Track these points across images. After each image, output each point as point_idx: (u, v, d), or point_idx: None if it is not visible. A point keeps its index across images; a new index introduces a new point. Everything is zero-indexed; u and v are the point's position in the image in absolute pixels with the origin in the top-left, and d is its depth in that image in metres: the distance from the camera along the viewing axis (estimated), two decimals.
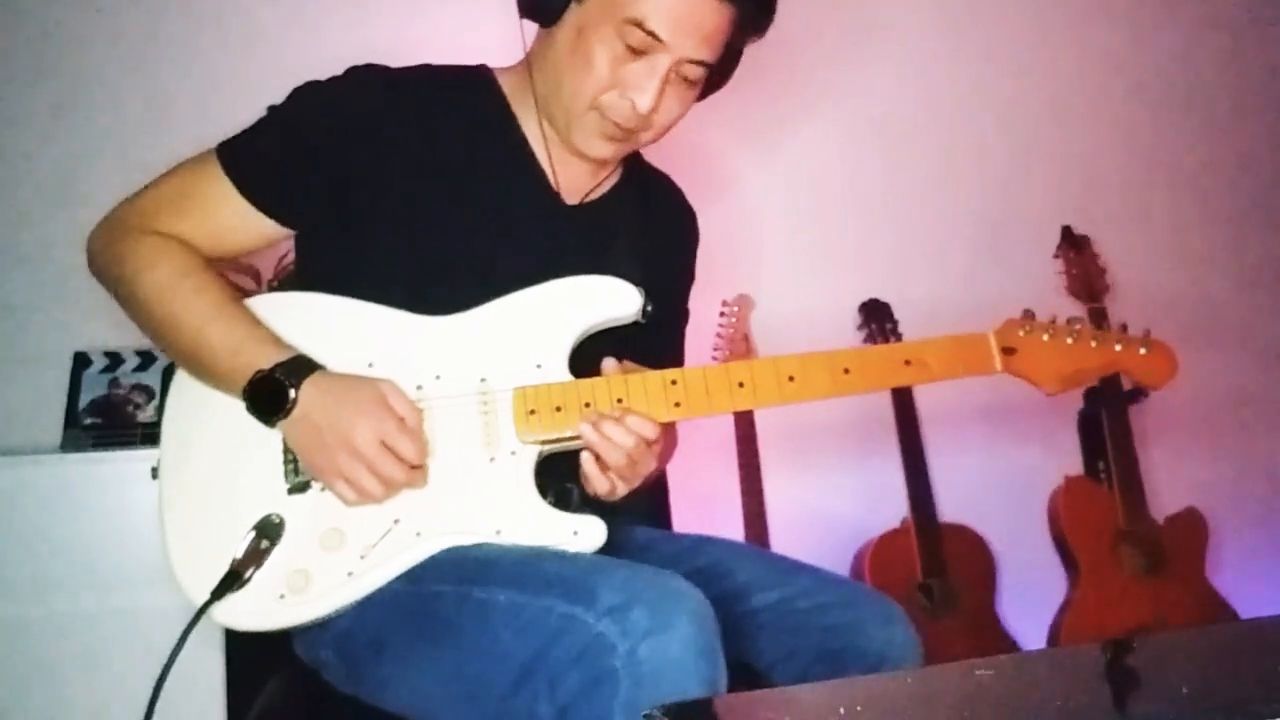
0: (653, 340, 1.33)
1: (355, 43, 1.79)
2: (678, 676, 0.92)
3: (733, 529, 2.18)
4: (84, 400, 1.96)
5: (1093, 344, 1.28)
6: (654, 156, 1.50)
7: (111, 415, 1.96)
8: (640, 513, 1.57)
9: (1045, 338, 1.27)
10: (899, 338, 2.37)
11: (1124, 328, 1.32)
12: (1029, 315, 1.29)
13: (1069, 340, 1.27)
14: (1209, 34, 2.83)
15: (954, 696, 0.81)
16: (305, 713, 1.24)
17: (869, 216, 2.55)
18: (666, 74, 1.17)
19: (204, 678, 1.67)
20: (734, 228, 2.41)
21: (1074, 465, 2.54)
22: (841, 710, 0.76)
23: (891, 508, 2.36)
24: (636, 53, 1.16)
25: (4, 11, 2.08)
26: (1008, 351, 1.26)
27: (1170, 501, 2.49)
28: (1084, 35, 2.74)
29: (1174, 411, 2.68)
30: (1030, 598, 2.45)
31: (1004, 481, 2.54)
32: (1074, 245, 2.44)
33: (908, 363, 1.24)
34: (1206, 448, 2.72)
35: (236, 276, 1.80)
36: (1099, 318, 2.44)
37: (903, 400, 2.37)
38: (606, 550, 1.23)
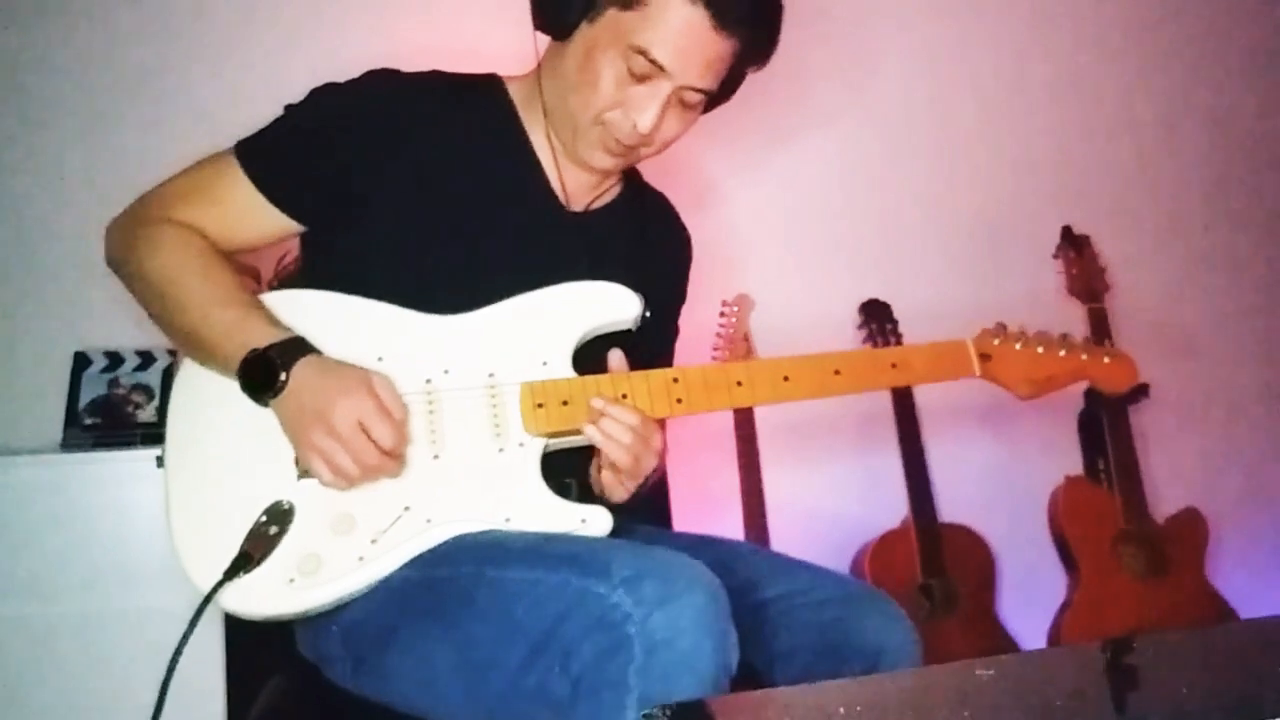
0: (645, 351, 1.35)
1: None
2: (690, 644, 0.94)
3: (733, 529, 2.18)
4: (84, 400, 1.96)
5: (1060, 353, 1.39)
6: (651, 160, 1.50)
7: (111, 415, 1.96)
8: (640, 512, 1.57)
9: (1017, 346, 1.38)
10: (898, 338, 2.37)
11: (1100, 318, 1.42)
12: (1001, 327, 1.40)
13: (1039, 349, 1.38)
14: (1209, 32, 2.83)
15: (954, 696, 0.81)
16: (307, 711, 1.24)
17: (868, 216, 2.55)
18: (668, 98, 1.22)
19: (204, 677, 1.67)
20: (735, 226, 2.41)
21: (1074, 465, 2.54)
22: (841, 710, 0.76)
23: (891, 508, 2.36)
24: (640, 77, 1.20)
25: (4, 18, 2.08)
26: (984, 358, 1.37)
27: (1170, 501, 2.49)
28: (1084, 34, 2.74)
29: (1174, 411, 2.68)
30: (1030, 598, 2.45)
31: (1004, 481, 2.55)
32: (1074, 245, 2.44)
33: (894, 365, 1.33)
34: (1206, 448, 2.72)
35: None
36: (1099, 317, 2.44)
37: (903, 400, 2.37)
38: None
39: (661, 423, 1.45)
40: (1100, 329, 2.46)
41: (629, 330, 1.29)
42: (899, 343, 2.37)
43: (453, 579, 1.10)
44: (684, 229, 1.52)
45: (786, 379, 1.27)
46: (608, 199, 1.39)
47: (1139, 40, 2.78)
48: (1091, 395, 2.53)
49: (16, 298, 2.05)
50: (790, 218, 2.51)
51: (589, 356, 1.26)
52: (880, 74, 2.59)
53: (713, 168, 2.41)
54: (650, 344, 1.38)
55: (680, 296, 1.51)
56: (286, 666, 1.26)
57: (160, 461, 1.18)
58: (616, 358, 1.25)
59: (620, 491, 1.22)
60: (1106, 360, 1.39)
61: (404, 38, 2.23)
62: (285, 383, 1.12)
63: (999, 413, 2.57)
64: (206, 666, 1.67)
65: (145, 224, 1.24)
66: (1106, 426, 2.45)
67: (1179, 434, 2.69)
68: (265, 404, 1.14)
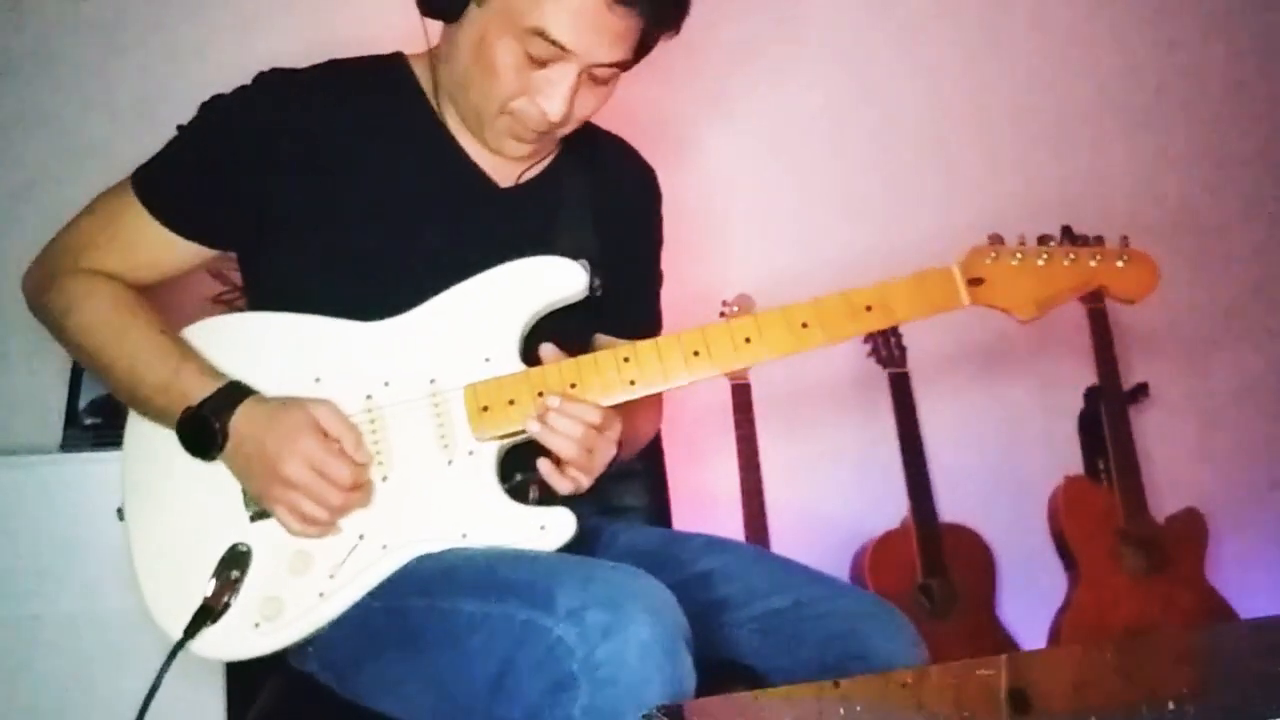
0: (626, 309, 1.30)
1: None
2: (637, 679, 0.90)
3: (733, 529, 2.18)
4: (84, 400, 1.96)
5: (1066, 262, 1.20)
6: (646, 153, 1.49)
7: (111, 415, 1.95)
8: (641, 513, 1.57)
9: (1015, 261, 1.20)
10: (898, 336, 2.37)
11: (1100, 239, 1.23)
12: (996, 240, 1.21)
13: (1040, 261, 1.20)
14: (1210, 32, 2.83)
15: (954, 696, 0.81)
16: (304, 713, 1.24)
17: (868, 216, 2.55)
18: (576, 80, 1.13)
19: (203, 678, 1.67)
20: (734, 226, 2.41)
21: (1074, 465, 2.54)
22: (841, 711, 0.76)
23: (891, 508, 2.36)
24: (542, 61, 1.11)
25: (1, 11, 2.08)
26: (975, 283, 1.18)
27: (1170, 501, 2.49)
28: (1085, 32, 2.74)
29: (1174, 411, 2.68)
30: (1030, 598, 2.45)
31: (1004, 481, 2.54)
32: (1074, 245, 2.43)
33: (869, 308, 1.18)
34: (1206, 448, 2.72)
35: (235, 275, 1.80)
36: (1099, 317, 2.44)
37: (902, 399, 2.37)
38: (614, 554, 1.22)
39: (658, 401, 1.39)
40: (1101, 329, 2.46)
41: (597, 296, 1.22)
42: (899, 341, 2.37)
43: (407, 611, 1.08)
44: (643, 166, 1.41)
45: (748, 340, 1.16)
46: (546, 163, 1.29)
47: (1140, 38, 2.78)
48: (1091, 395, 2.53)
49: (16, 297, 2.04)
50: (790, 218, 2.50)
51: (562, 329, 1.20)
52: (878, 74, 2.58)
53: (712, 165, 2.40)
54: (628, 300, 1.33)
55: (654, 240, 1.42)
56: (285, 668, 1.26)
57: (120, 514, 1.17)
58: (549, 353, 1.16)
59: (569, 485, 1.13)
60: (1121, 264, 1.20)
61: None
62: (226, 438, 1.09)
63: (999, 413, 2.58)
64: (206, 665, 1.67)
65: (55, 278, 1.20)
66: (1106, 426, 2.46)
67: (1179, 434, 2.68)
68: (211, 460, 1.12)
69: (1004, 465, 2.56)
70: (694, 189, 2.29)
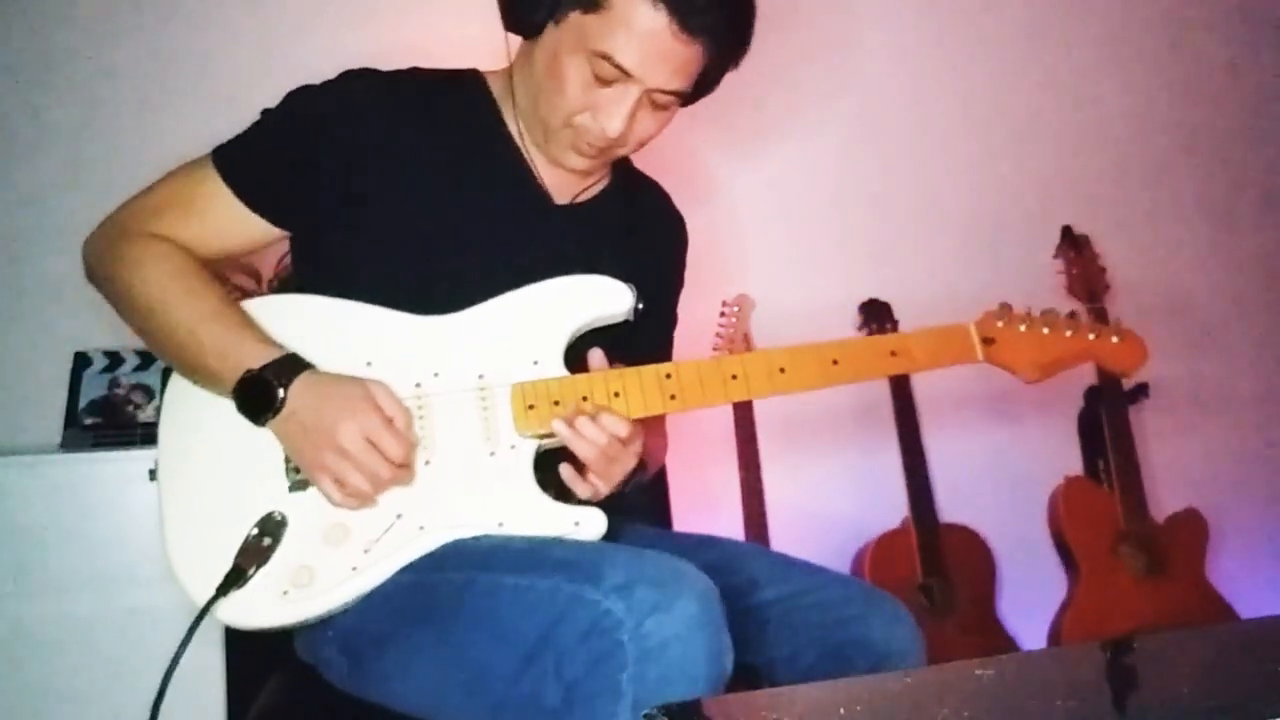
0: (642, 343, 1.34)
1: (351, 46, 1.80)
2: (684, 651, 0.93)
3: (733, 529, 2.18)
4: (84, 400, 1.96)
5: (1067, 334, 1.32)
6: (644, 155, 1.50)
7: (111, 415, 1.96)
8: (642, 513, 1.57)
9: (1022, 328, 1.32)
10: None
11: (1100, 317, 1.35)
12: (1006, 308, 1.33)
13: (1044, 330, 1.32)
14: (1208, 32, 2.83)
15: (954, 696, 0.81)
16: (305, 712, 1.24)
17: (868, 216, 2.55)
18: (637, 102, 1.19)
19: (204, 678, 1.67)
20: (735, 226, 2.41)
21: (1074, 465, 2.54)
22: (841, 710, 0.76)
23: (891, 508, 2.36)
24: (607, 81, 1.18)
25: (2, 11, 2.08)
26: (987, 342, 1.30)
27: (1170, 501, 2.49)
28: (1083, 34, 2.74)
29: (1174, 411, 2.68)
30: (1030, 598, 2.45)
31: (1004, 481, 2.55)
32: (1074, 245, 2.44)
33: (893, 353, 1.27)
34: (1206, 448, 2.72)
35: (236, 276, 1.80)
36: (1099, 317, 2.44)
37: (903, 400, 2.37)
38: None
39: (660, 418, 1.44)
40: None
41: (625, 323, 1.27)
42: None
43: (445, 585, 1.09)
44: (677, 215, 1.49)
45: (783, 370, 1.24)
46: (596, 190, 1.37)
47: (1141, 38, 2.78)
48: (1092, 395, 2.53)
49: (16, 298, 2.04)
50: (790, 218, 2.51)
51: (584, 349, 1.24)
52: (879, 74, 2.59)
53: (713, 166, 2.41)
54: (648, 334, 1.37)
55: (677, 284, 1.49)
56: (285, 667, 1.26)
57: (153, 474, 1.18)
58: (597, 358, 1.22)
59: (588, 491, 1.18)
60: (1115, 340, 1.33)
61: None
62: (283, 402, 1.11)
63: (999, 413, 2.58)
64: (206, 666, 1.67)
65: (124, 240, 1.22)
66: (1106, 426, 2.45)
67: (1179, 434, 2.69)
68: (262, 424, 1.13)
69: (1004, 465, 2.56)
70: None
